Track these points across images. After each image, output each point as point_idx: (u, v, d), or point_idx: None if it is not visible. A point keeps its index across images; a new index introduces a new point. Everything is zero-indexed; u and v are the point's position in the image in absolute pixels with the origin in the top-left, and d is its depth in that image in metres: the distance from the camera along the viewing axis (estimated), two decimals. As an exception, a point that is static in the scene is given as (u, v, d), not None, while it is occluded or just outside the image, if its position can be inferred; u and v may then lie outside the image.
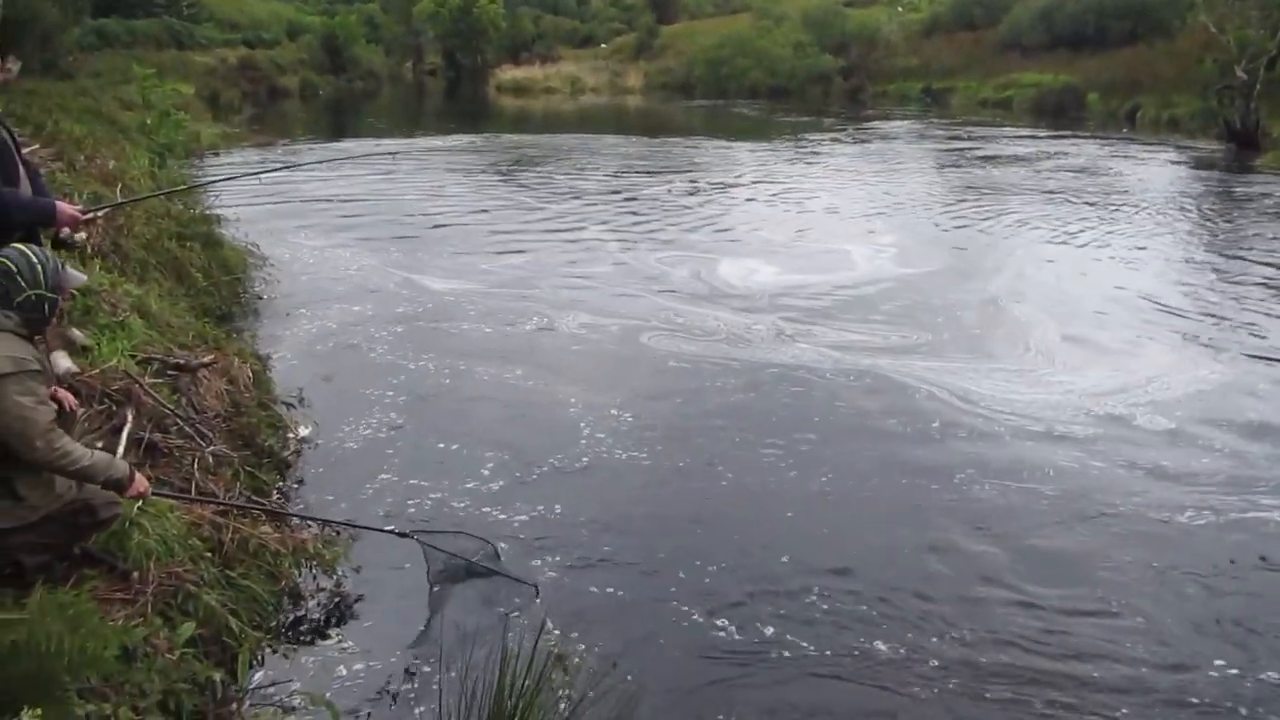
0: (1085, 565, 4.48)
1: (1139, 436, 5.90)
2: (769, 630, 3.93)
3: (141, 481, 3.18)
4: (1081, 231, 12.16)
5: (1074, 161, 18.82)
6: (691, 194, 14.99)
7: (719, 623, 3.97)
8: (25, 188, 3.84)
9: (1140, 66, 28.86)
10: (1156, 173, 17.49)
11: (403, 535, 4.11)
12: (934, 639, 3.88)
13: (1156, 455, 5.63)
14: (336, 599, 3.99)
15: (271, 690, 3.38)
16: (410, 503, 4.91)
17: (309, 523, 4.31)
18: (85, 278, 3.52)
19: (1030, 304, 8.80)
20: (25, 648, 2.37)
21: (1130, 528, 4.83)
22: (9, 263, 2.99)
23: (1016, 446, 5.73)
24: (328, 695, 3.32)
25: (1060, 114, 28.88)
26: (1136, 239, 11.78)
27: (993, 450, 5.69)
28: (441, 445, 5.61)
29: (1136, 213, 13.44)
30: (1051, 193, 15.07)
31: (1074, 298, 9.12)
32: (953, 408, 6.30)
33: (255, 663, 3.47)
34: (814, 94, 39.28)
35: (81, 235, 4.37)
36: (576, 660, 3.60)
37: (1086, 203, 14.21)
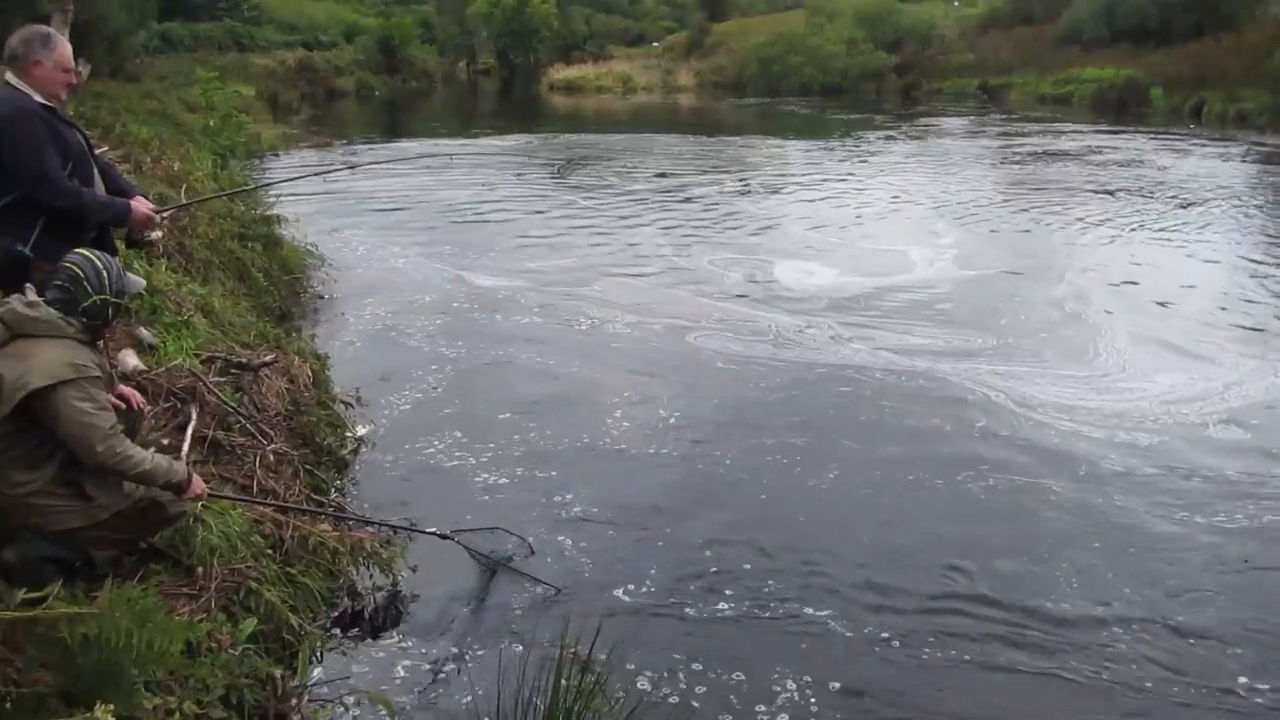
0: (1124, 576, 4.33)
1: (1207, 445, 5.70)
2: (820, 630, 3.90)
3: (199, 483, 3.24)
4: (1148, 231, 11.83)
5: (1137, 158, 18.33)
6: (744, 194, 14.91)
7: (764, 620, 3.94)
8: (99, 188, 3.94)
9: (1206, 60, 28.03)
10: (1225, 169, 16.95)
11: (444, 536, 4.17)
12: (975, 657, 3.81)
13: (1222, 464, 5.44)
14: (393, 597, 4.03)
15: (329, 687, 3.42)
16: (463, 501, 4.95)
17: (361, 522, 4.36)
18: (144, 283, 3.61)
19: (1098, 307, 8.53)
20: (96, 641, 2.43)
21: (1177, 541, 4.67)
22: (76, 269, 3.06)
23: (1070, 453, 5.58)
24: (384, 692, 3.37)
25: (1122, 110, 28.18)
26: (1206, 238, 11.41)
27: (1040, 456, 5.55)
28: (493, 444, 5.65)
29: (1205, 211, 13.04)
30: (1115, 190, 14.70)
31: (1144, 300, 8.85)
32: (1008, 412, 6.15)
33: (314, 659, 3.52)
34: (867, 91, 38.86)
35: (157, 234, 4.46)
36: (632, 664, 3.60)
37: (1152, 200, 13.82)
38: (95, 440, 2.88)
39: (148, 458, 3.02)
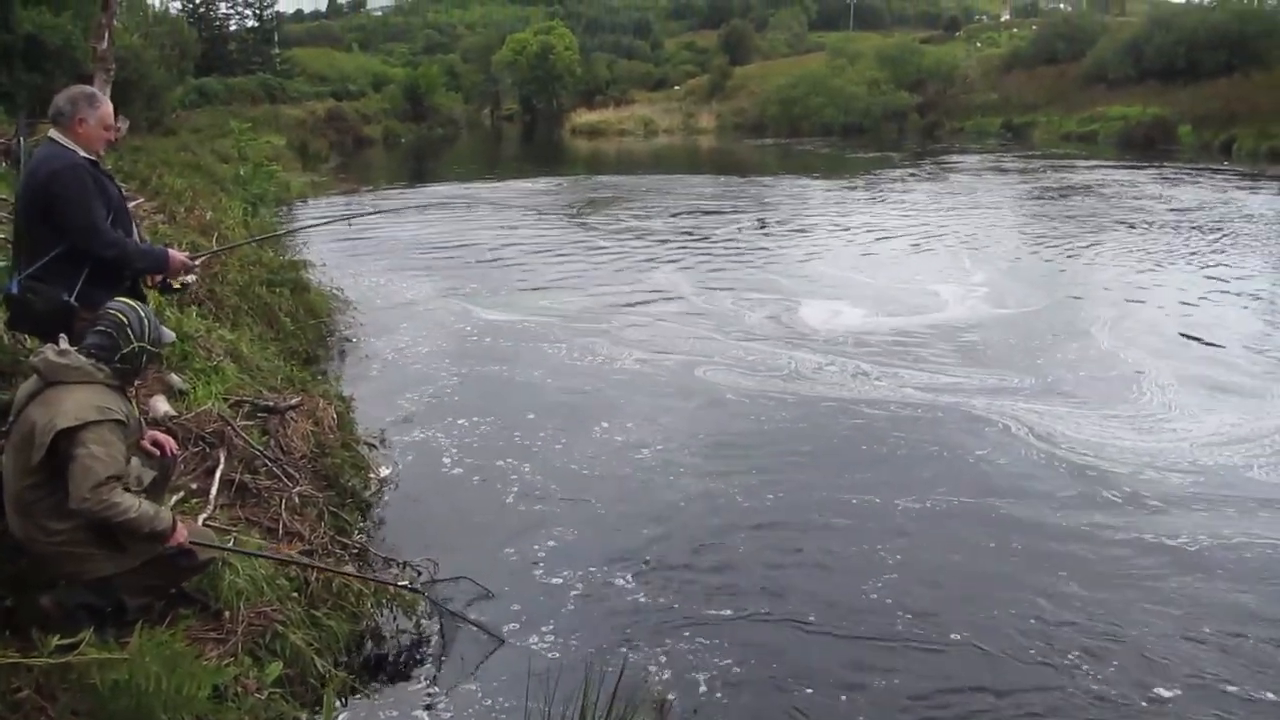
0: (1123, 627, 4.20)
1: (1242, 488, 5.56)
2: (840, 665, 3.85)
3: (182, 532, 3.19)
4: (1182, 267, 11.75)
5: (1168, 194, 18.26)
6: (767, 233, 14.98)
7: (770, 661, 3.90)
8: (135, 238, 4.07)
9: (1237, 97, 28.05)
10: (1260, 206, 16.81)
11: (414, 591, 4.18)
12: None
13: (1256, 508, 5.30)
14: (417, 641, 4.04)
15: (354, 731, 3.42)
16: (479, 544, 4.95)
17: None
18: (174, 335, 3.70)
19: (1139, 346, 8.37)
20: (126, 687, 2.45)
21: (1168, 576, 4.59)
22: (121, 315, 3.17)
23: (1091, 493, 5.48)
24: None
25: (1149, 147, 28.13)
26: (1245, 276, 11.27)
27: (1060, 492, 5.49)
28: (510, 485, 5.68)
29: (1239, 247, 12.94)
30: (1146, 227, 14.63)
31: (1185, 340, 8.67)
32: (1040, 452, 6.07)
33: (339, 703, 3.52)
34: (889, 131, 39.10)
35: (192, 278, 4.60)
36: (654, 707, 3.57)
37: (1184, 237, 13.75)
38: (88, 484, 2.87)
39: (134, 506, 2.98)
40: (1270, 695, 3.71)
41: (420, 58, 58.27)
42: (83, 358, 3.08)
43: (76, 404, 2.95)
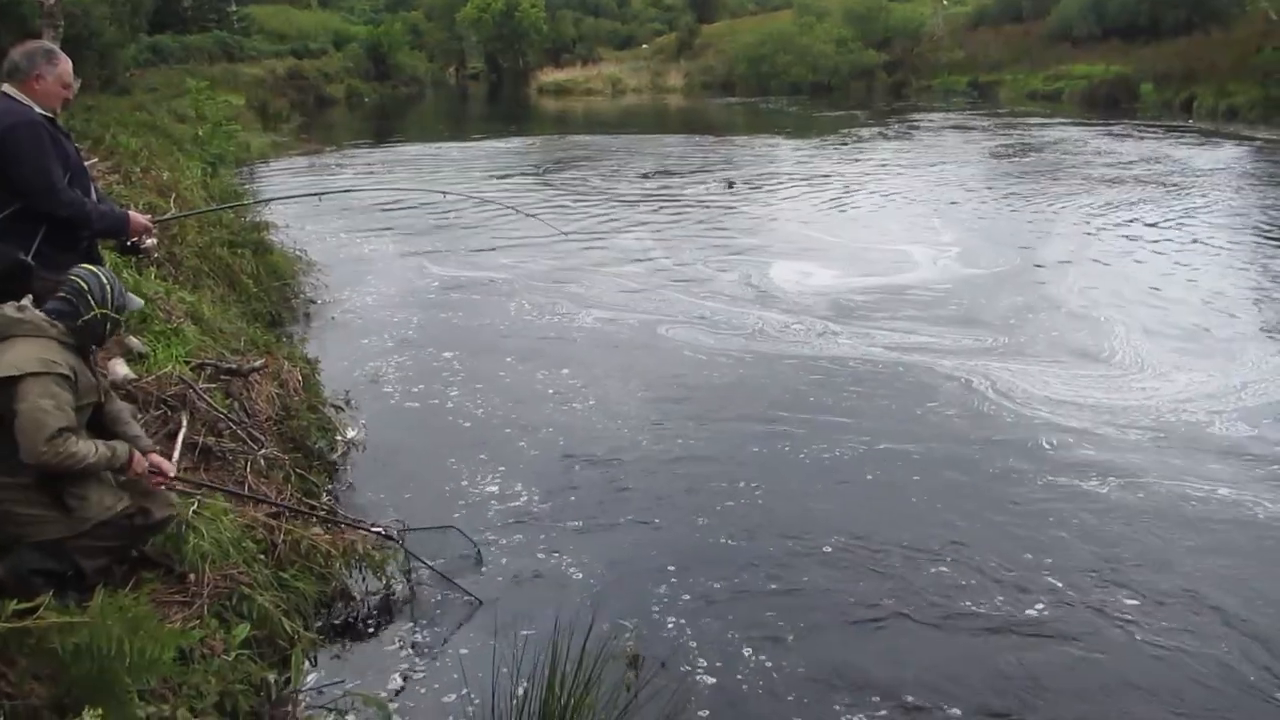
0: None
1: (1201, 443, 5.61)
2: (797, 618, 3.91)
3: (140, 461, 3.14)
4: (1149, 224, 11.82)
5: (1133, 152, 18.39)
6: (737, 194, 14.91)
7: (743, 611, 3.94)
8: (94, 198, 3.98)
9: (1196, 56, 28.20)
10: (1222, 163, 16.97)
11: (388, 538, 4.18)
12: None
13: (1210, 462, 5.35)
14: (387, 599, 4.03)
15: (325, 690, 3.41)
16: (450, 503, 4.94)
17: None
18: (142, 303, 3.65)
19: (1113, 305, 8.38)
20: (87, 650, 2.42)
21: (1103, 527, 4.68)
22: (81, 282, 3.11)
23: (1038, 444, 5.56)
24: (380, 695, 3.37)
25: (1113, 105, 28.30)
26: (1212, 233, 11.32)
27: (1007, 445, 5.57)
28: (476, 443, 5.68)
29: (1202, 203, 13.06)
30: (1112, 184, 14.72)
31: (1158, 297, 8.70)
32: (995, 405, 6.12)
33: (308, 663, 3.51)
34: (857, 89, 39.02)
35: (152, 241, 4.52)
36: (624, 659, 3.60)
37: (1149, 194, 13.85)
38: (41, 438, 2.81)
39: (91, 451, 2.93)
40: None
41: (382, 15, 56.93)
42: (39, 314, 3.02)
43: (17, 355, 2.89)
